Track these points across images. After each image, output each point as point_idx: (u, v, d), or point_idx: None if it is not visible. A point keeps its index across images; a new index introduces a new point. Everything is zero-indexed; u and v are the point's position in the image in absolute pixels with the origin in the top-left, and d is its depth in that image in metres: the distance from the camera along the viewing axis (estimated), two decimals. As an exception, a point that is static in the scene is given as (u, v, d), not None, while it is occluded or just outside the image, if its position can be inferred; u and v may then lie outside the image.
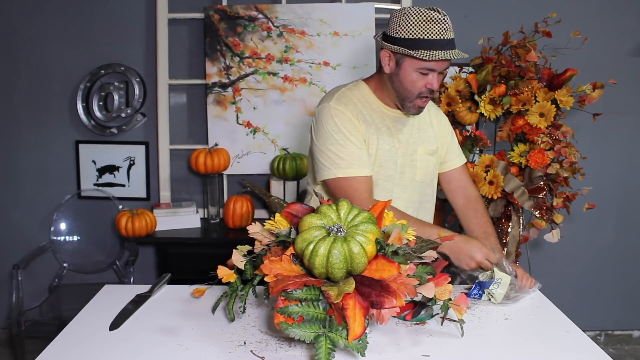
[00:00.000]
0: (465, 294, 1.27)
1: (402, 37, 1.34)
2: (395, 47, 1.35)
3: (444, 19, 1.32)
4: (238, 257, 1.12)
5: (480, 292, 1.30)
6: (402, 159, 1.51)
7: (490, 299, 1.29)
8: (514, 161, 2.11)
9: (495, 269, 1.30)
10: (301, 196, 2.51)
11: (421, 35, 1.31)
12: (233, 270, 1.14)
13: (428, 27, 1.31)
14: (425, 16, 1.31)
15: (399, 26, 1.35)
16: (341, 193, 1.41)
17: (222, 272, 1.12)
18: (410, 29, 1.32)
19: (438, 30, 1.31)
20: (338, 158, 1.41)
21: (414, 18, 1.32)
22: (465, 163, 1.68)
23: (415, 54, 1.31)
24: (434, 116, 1.61)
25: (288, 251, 1.05)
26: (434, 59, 1.31)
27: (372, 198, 1.42)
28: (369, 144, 1.46)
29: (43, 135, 2.65)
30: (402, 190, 1.53)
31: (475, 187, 1.68)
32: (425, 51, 1.31)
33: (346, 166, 1.41)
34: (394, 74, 1.41)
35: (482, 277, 1.32)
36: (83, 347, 1.05)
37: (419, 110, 1.45)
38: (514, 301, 1.29)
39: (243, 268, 1.12)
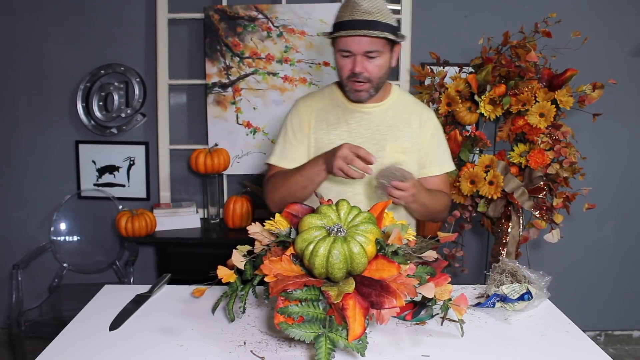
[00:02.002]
0: (478, 304, 1.26)
1: (332, 24, 1.46)
2: (323, 33, 1.49)
3: (355, 1, 1.38)
4: (238, 257, 1.12)
5: (495, 301, 1.25)
6: None
7: (505, 307, 1.24)
8: (514, 161, 2.11)
9: (530, 286, 1.24)
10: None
11: (337, 19, 1.42)
12: (233, 271, 1.14)
13: (342, 11, 1.41)
14: (344, 2, 1.42)
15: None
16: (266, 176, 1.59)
17: (222, 272, 1.12)
18: (338, 14, 1.43)
19: (349, 13, 1.37)
20: (274, 147, 1.60)
21: (342, 3, 1.44)
22: (447, 173, 1.61)
23: (324, 35, 1.45)
24: (416, 117, 1.56)
25: (288, 251, 1.05)
26: (331, 37, 1.41)
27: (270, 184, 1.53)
28: (317, 138, 1.53)
29: (43, 135, 2.65)
30: (368, 185, 1.50)
31: (449, 195, 1.63)
32: (334, 32, 1.40)
33: (275, 154, 1.58)
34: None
35: (507, 290, 1.25)
36: (83, 347, 1.05)
37: (356, 94, 1.47)
38: (527, 308, 1.24)
39: (243, 268, 1.12)
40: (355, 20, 1.36)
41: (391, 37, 1.38)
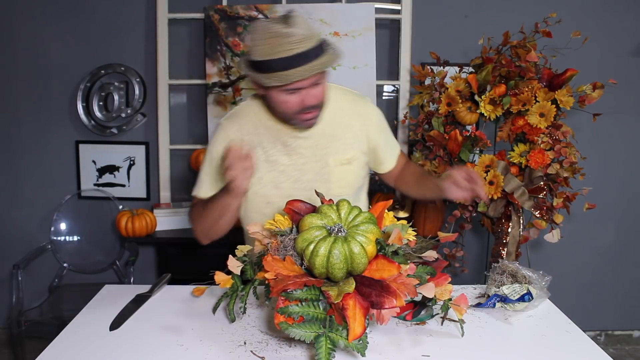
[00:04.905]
0: (479, 304, 1.26)
1: (255, 59, 1.22)
2: (251, 73, 1.26)
3: (287, 32, 1.17)
4: (234, 263, 1.11)
5: (495, 302, 1.25)
6: (311, 175, 1.39)
7: (505, 308, 1.24)
8: (514, 161, 2.11)
9: (530, 287, 1.24)
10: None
11: (268, 56, 1.19)
12: (230, 276, 1.12)
13: (269, 45, 1.18)
14: (269, 32, 1.18)
15: (252, 46, 1.23)
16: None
17: (220, 277, 1.11)
18: (259, 49, 1.20)
19: (286, 47, 1.17)
20: (201, 176, 1.45)
21: (259, 35, 1.20)
22: (400, 151, 1.56)
23: (265, 82, 1.22)
24: (356, 117, 1.43)
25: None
26: (278, 84, 1.19)
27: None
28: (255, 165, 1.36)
29: (43, 135, 2.65)
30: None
31: (415, 163, 1.59)
32: (274, 74, 1.19)
33: (203, 186, 1.43)
34: (266, 96, 1.31)
35: (507, 290, 1.25)
36: (83, 347, 1.05)
37: (307, 124, 1.32)
38: (527, 308, 1.25)
39: (239, 273, 1.10)
40: (297, 55, 1.17)
41: (339, 59, 1.24)
